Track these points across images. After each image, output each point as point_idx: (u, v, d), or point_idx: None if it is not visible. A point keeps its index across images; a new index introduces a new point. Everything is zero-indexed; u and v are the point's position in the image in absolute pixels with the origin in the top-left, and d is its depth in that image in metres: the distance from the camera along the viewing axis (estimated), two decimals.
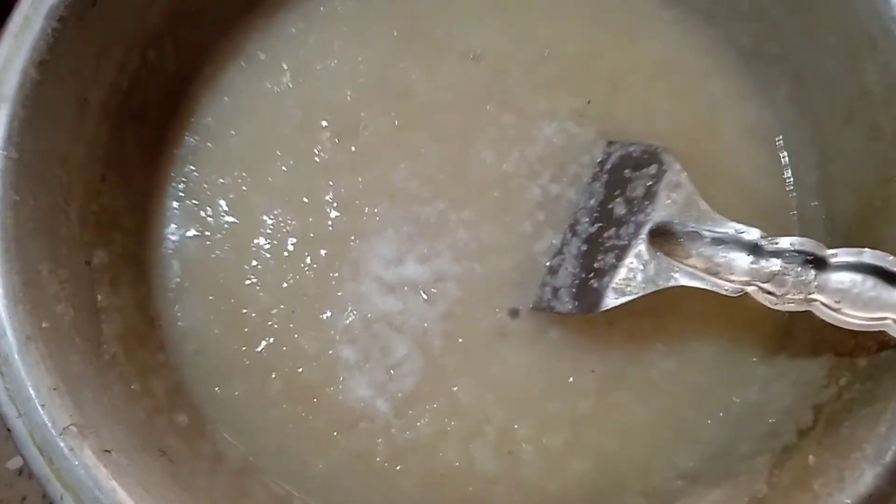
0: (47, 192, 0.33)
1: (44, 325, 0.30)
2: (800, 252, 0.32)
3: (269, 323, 0.37)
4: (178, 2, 0.38)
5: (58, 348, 0.30)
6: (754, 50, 0.40)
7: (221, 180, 0.38)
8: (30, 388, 0.29)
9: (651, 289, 0.33)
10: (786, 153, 0.40)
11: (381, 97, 0.39)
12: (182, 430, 0.34)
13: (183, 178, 0.39)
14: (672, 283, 0.33)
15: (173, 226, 0.38)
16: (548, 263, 0.37)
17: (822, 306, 0.31)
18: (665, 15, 0.42)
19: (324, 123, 0.39)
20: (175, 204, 0.38)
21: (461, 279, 0.37)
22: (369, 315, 0.37)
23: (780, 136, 0.40)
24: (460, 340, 0.36)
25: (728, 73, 0.41)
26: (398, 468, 0.35)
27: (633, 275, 0.33)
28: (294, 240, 0.38)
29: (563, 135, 0.39)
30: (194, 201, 0.38)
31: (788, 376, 0.35)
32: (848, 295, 0.30)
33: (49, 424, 0.28)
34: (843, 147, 0.37)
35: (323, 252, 0.37)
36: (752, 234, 0.33)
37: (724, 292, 0.32)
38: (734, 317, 0.37)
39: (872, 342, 0.32)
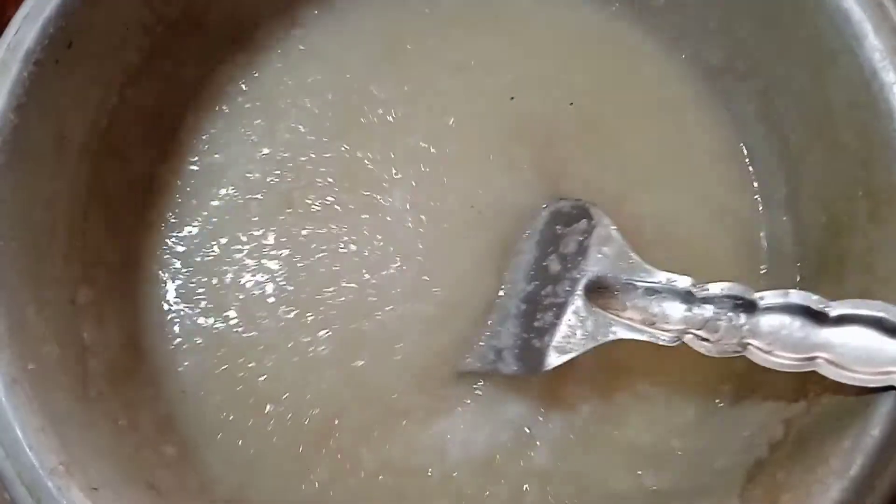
0: (30, 234, 0.33)
1: (30, 366, 0.31)
2: (729, 297, 0.32)
3: (258, 351, 0.37)
4: (155, 39, 0.38)
5: (44, 388, 0.31)
6: (724, 67, 0.41)
7: (205, 212, 0.39)
8: (17, 430, 0.29)
9: (591, 344, 0.33)
10: (753, 169, 0.41)
11: (349, 136, 0.40)
12: (170, 463, 0.35)
13: (167, 211, 0.39)
14: (611, 338, 0.33)
15: (158, 259, 0.39)
16: (489, 323, 0.37)
17: (756, 350, 0.31)
18: (635, 34, 0.43)
19: (289, 176, 0.40)
20: (159, 237, 0.39)
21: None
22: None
23: (749, 152, 0.41)
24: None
25: (697, 89, 0.42)
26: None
27: (572, 332, 0.34)
28: (275, 268, 0.39)
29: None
30: (178, 234, 0.39)
31: (760, 390, 0.36)
32: (778, 336, 0.31)
33: (37, 465, 0.29)
34: (811, 162, 0.37)
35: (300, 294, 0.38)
36: (684, 282, 0.33)
37: (662, 342, 0.32)
38: None
39: None
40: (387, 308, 0.38)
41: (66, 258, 0.35)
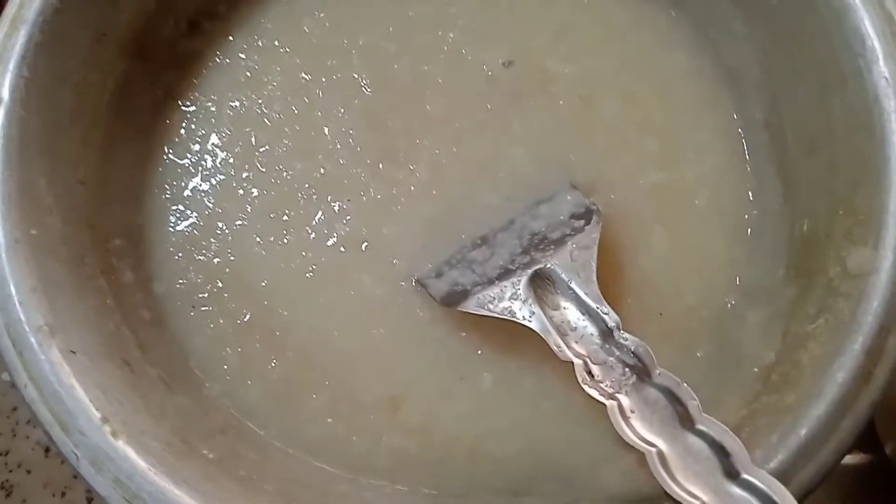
0: (54, 113, 0.35)
1: (33, 231, 0.33)
2: (635, 354, 0.34)
3: (252, 246, 0.40)
4: None
5: (42, 254, 0.33)
6: (741, 70, 0.42)
7: (222, 113, 0.41)
8: (11, 286, 0.32)
9: (506, 316, 0.35)
10: (752, 175, 0.42)
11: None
12: (146, 348, 0.37)
13: (185, 118, 0.41)
14: (524, 322, 0.35)
15: (171, 155, 0.41)
16: (462, 251, 0.38)
17: (617, 407, 0.32)
18: (663, 22, 0.43)
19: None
20: (176, 137, 0.41)
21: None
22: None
23: (750, 158, 0.42)
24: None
25: (713, 89, 0.43)
26: None
27: (499, 297, 0.35)
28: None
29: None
30: (195, 135, 0.41)
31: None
32: (644, 411, 0.32)
33: (24, 321, 0.31)
34: (803, 177, 0.38)
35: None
36: (612, 319, 0.34)
37: (557, 351, 0.34)
38: None
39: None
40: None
41: (84, 142, 0.37)
